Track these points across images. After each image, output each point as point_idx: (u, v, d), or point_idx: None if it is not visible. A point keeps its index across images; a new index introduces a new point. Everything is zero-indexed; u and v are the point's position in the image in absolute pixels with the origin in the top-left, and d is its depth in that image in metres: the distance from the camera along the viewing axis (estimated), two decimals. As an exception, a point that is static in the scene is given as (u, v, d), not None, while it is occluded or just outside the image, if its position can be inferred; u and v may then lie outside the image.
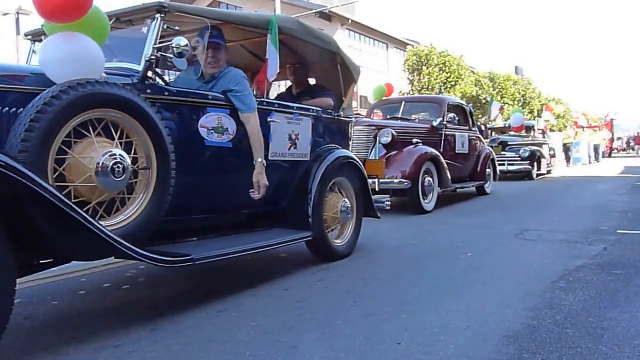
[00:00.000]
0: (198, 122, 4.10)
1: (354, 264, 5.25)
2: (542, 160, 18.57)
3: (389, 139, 9.05)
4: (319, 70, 6.36)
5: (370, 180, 8.44)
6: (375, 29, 40.60)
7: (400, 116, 10.95)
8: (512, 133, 19.10)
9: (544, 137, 21.57)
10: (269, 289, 4.36)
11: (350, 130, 6.23)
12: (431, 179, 9.28)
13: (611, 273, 4.53)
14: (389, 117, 11.07)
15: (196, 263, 3.62)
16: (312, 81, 6.36)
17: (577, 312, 3.51)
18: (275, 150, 4.84)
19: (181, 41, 3.67)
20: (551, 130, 28.13)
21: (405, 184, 8.67)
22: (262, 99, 4.75)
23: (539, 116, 29.35)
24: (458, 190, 11.33)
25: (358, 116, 9.81)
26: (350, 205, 5.58)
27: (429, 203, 9.16)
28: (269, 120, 4.75)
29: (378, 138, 8.98)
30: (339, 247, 5.43)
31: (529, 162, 17.15)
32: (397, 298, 3.98)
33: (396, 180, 8.70)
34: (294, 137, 5.07)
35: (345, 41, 37.39)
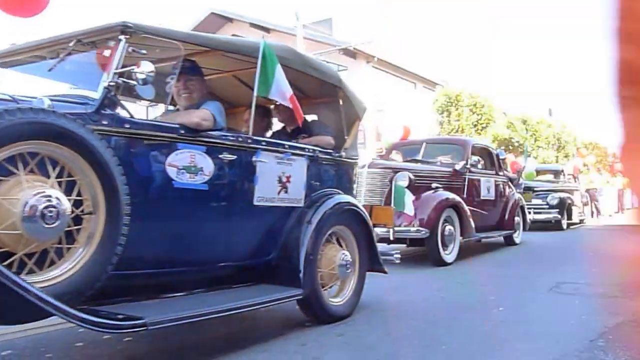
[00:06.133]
0: (166, 159, 3.75)
1: (377, 317, 5.23)
2: (573, 208, 17.74)
3: (406, 183, 8.65)
4: (318, 106, 6.11)
5: (384, 229, 8.44)
6: (402, 67, 40.81)
7: (420, 158, 10.64)
8: (539, 178, 18.62)
9: (575, 182, 20.50)
10: (283, 344, 4.30)
11: (354, 173, 5.96)
12: (452, 227, 9.04)
13: (654, 331, 4.47)
14: (408, 159, 10.71)
15: (150, 328, 3.25)
16: (310, 117, 6.09)
17: (617, 373, 3.48)
18: (261, 194, 4.50)
19: (146, 66, 3.40)
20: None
21: (423, 232, 8.43)
22: (247, 136, 4.48)
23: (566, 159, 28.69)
24: (483, 240, 11.08)
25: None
26: (351, 259, 5.20)
27: (449, 254, 8.88)
28: (254, 159, 4.43)
29: (394, 182, 8.61)
30: (336, 307, 5.03)
31: (557, 210, 16.45)
32: (423, 356, 3.96)
33: (413, 229, 8.49)
34: (284, 179, 4.75)
35: (370, 79, 37.64)
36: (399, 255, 6.21)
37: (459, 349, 4.15)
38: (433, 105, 33.99)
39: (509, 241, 11.82)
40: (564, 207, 16.79)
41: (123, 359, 4.15)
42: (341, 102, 5.71)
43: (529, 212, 14.34)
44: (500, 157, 12.66)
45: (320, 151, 5.26)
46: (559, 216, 16.50)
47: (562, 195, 17.05)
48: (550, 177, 18.98)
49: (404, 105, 38.96)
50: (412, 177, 8.84)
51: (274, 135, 5.70)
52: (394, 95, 39.27)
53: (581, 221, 19.42)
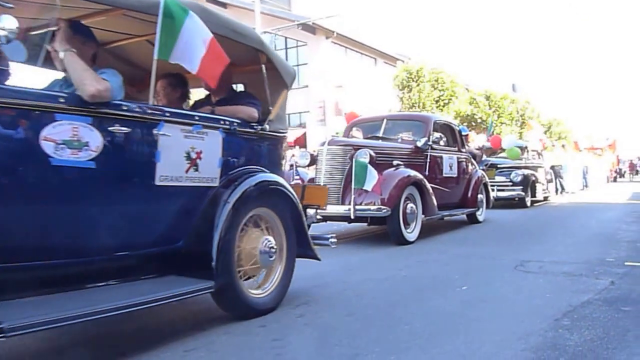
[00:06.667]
0: (39, 133, 3.23)
1: (339, 297, 5.19)
2: (537, 185, 17.89)
3: (367, 160, 8.60)
4: (248, 74, 5.57)
5: (345, 207, 8.43)
6: (362, 43, 40.82)
7: (381, 135, 10.61)
8: (502, 155, 18.73)
9: (539, 158, 20.75)
10: (244, 326, 4.26)
11: (281, 149, 5.43)
12: (414, 206, 9.00)
13: (619, 309, 4.48)
14: (369, 136, 10.75)
15: (8, 335, 2.76)
16: (240, 87, 5.75)
17: (583, 353, 3.46)
18: (164, 173, 3.96)
19: (7, 21, 2.96)
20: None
21: (384, 210, 8.35)
22: (146, 105, 3.91)
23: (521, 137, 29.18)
24: (445, 218, 11.05)
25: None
26: (276, 245, 4.74)
27: (411, 232, 8.85)
28: (155, 133, 3.88)
29: (354, 159, 8.54)
30: (257, 299, 4.57)
31: (521, 187, 16.49)
32: (386, 336, 3.91)
33: (374, 207, 8.41)
34: (194, 155, 4.20)
35: (330, 54, 37.62)
36: (335, 240, 5.56)
37: (422, 328, 4.11)
38: (393, 81, 33.96)
39: (472, 219, 11.90)
40: (528, 184, 16.88)
41: (77, 340, 4.02)
42: (264, 68, 5.06)
43: (493, 190, 14.22)
44: (463, 133, 12.68)
45: (239, 124, 4.72)
46: (523, 193, 16.57)
47: (526, 172, 17.13)
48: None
49: (364, 81, 39.08)
50: (373, 154, 8.81)
51: (196, 105, 5.31)
52: (354, 71, 39.36)
53: (545, 198, 19.65)
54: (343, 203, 8.53)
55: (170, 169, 4.01)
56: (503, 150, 18.93)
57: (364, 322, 4.30)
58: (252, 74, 5.34)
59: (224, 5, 40.38)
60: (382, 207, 8.34)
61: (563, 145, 30.76)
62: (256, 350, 3.67)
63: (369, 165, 8.31)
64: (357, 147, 9.00)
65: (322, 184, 8.64)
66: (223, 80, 4.76)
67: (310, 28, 35.77)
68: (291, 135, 35.59)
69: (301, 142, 34.56)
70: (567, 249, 8.05)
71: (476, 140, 20.71)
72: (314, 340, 3.88)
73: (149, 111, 3.90)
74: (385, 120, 11.10)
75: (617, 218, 12.60)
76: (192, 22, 4.05)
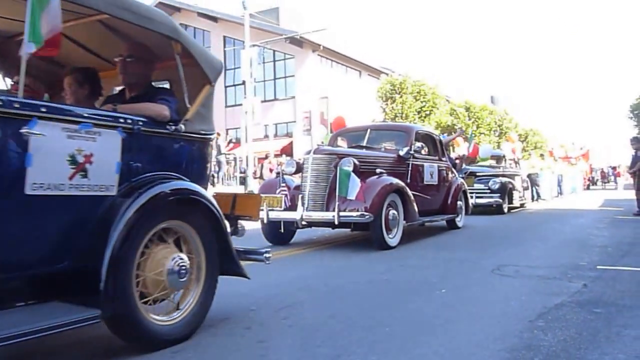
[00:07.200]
0: None
1: (322, 300, 5.16)
2: (514, 192, 18.07)
3: (350, 168, 8.56)
4: (173, 71, 4.35)
5: (329, 214, 8.35)
6: (347, 56, 40.98)
7: (365, 144, 10.65)
8: (481, 163, 18.88)
9: (516, 167, 21.04)
10: (229, 327, 4.23)
11: (205, 152, 4.56)
12: (396, 212, 8.99)
13: (591, 311, 4.50)
14: (353, 145, 10.79)
15: None
16: (166, 84, 4.93)
17: (556, 353, 3.47)
18: (38, 179, 3.15)
19: None
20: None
21: (367, 217, 8.28)
22: (13, 99, 3.07)
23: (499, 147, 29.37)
24: (426, 224, 11.15)
25: None
26: (189, 264, 3.93)
27: (393, 238, 8.83)
28: (24, 131, 3.06)
29: (338, 167, 8.53)
30: (165, 328, 3.78)
31: (499, 194, 16.63)
32: (367, 338, 3.89)
33: (357, 213, 8.36)
34: (81, 159, 3.39)
35: (316, 67, 37.74)
36: (269, 255, 4.70)
37: (403, 330, 4.10)
38: (377, 92, 34.07)
39: (452, 225, 11.93)
40: (505, 191, 17.04)
41: (66, 344, 3.96)
42: (178, 60, 4.14)
43: (471, 197, 14.52)
44: (443, 141, 12.75)
45: (145, 123, 3.85)
46: (501, 200, 16.71)
47: (504, 179, 17.34)
48: (492, 162, 19.24)
49: (349, 92, 39.20)
50: (357, 162, 8.80)
51: (108, 101, 4.50)
52: (339, 83, 39.50)
53: (522, 205, 19.80)
54: (327, 209, 8.51)
55: (46, 175, 3.21)
56: (481, 159, 19.10)
57: (346, 324, 4.27)
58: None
59: (215, 19, 40.54)
60: (365, 213, 8.30)
61: (541, 155, 30.95)
62: (241, 351, 3.64)
63: (352, 174, 8.30)
64: (341, 156, 8.99)
65: (307, 191, 8.66)
66: (139, 75, 4.32)
67: (298, 42, 35.94)
68: (278, 144, 35.66)
69: (288, 150, 34.61)
70: (542, 253, 8.09)
71: (461, 147, 20.86)
72: (298, 341, 3.86)
73: (16, 105, 3.06)
74: (369, 130, 11.17)
75: (589, 224, 12.68)
76: (52, 8, 3.15)
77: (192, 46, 4.28)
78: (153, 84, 4.54)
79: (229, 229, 4.48)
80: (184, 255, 3.89)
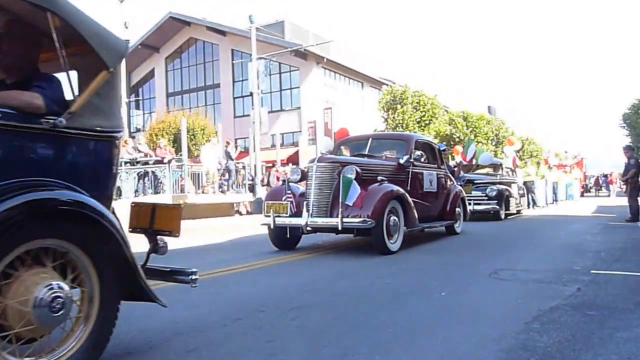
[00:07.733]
0: None
1: (328, 302, 5.18)
2: (511, 199, 18.09)
3: (353, 176, 8.63)
4: (82, 58, 3.39)
5: (333, 220, 8.42)
6: (350, 68, 41.05)
7: (367, 153, 10.68)
8: (479, 171, 18.93)
9: (513, 175, 21.07)
10: (241, 328, 4.26)
11: (109, 153, 3.47)
12: (396, 218, 8.97)
13: (585, 314, 4.51)
14: (355, 154, 10.82)
15: None
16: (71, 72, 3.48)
17: (551, 354, 3.48)
18: None
19: None
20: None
21: (369, 223, 8.30)
22: None
23: (502, 152, 29.27)
24: (426, 229, 11.13)
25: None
26: (67, 296, 2.90)
27: (394, 243, 8.81)
28: None
29: (341, 175, 8.62)
30: None
31: (496, 201, 16.73)
32: (371, 338, 3.92)
33: (359, 219, 8.39)
34: None
35: (321, 79, 37.83)
36: (197, 277, 3.79)
37: (404, 330, 4.12)
38: (379, 103, 34.14)
39: (451, 231, 11.93)
40: (502, 198, 17.09)
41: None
42: (55, 36, 3.03)
43: (469, 203, 14.50)
44: (441, 149, 12.80)
45: (7, 115, 2.84)
46: (498, 207, 16.77)
47: (501, 187, 17.39)
48: (489, 170, 19.25)
49: (351, 103, 39.28)
50: (359, 170, 8.85)
51: None
52: (342, 94, 39.58)
53: (518, 212, 19.78)
54: (331, 215, 8.56)
55: None
56: (478, 166, 19.11)
57: (351, 325, 4.30)
58: (86, 57, 3.32)
59: (224, 33, 40.63)
60: (367, 219, 8.32)
61: (538, 163, 30.92)
62: (252, 350, 3.67)
63: (354, 182, 8.35)
64: (344, 164, 9.04)
65: (312, 198, 8.72)
66: (16, 57, 3.34)
67: (302, 54, 36.03)
68: (285, 153, 35.67)
69: (294, 159, 34.64)
70: (538, 258, 8.11)
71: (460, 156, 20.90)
72: (306, 341, 3.89)
73: None
74: (370, 139, 11.22)
75: (583, 230, 12.68)
76: None
77: (78, 21, 3.17)
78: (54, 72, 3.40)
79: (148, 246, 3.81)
80: (64, 285, 2.92)
